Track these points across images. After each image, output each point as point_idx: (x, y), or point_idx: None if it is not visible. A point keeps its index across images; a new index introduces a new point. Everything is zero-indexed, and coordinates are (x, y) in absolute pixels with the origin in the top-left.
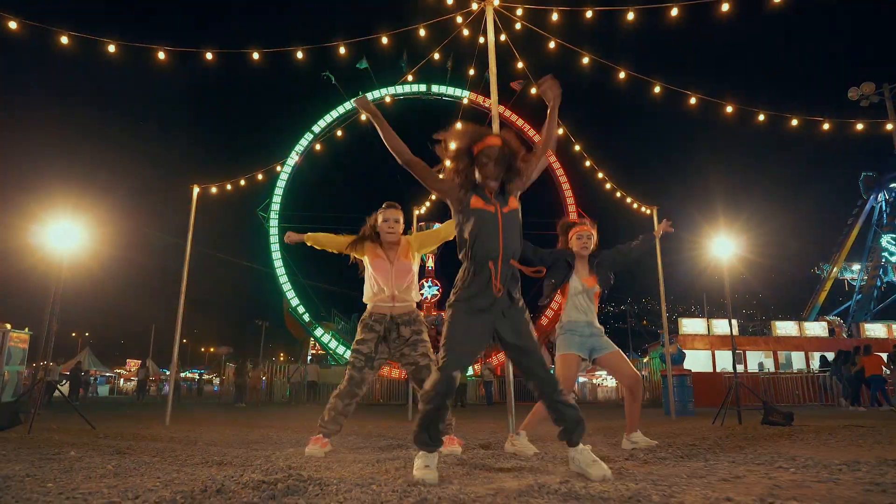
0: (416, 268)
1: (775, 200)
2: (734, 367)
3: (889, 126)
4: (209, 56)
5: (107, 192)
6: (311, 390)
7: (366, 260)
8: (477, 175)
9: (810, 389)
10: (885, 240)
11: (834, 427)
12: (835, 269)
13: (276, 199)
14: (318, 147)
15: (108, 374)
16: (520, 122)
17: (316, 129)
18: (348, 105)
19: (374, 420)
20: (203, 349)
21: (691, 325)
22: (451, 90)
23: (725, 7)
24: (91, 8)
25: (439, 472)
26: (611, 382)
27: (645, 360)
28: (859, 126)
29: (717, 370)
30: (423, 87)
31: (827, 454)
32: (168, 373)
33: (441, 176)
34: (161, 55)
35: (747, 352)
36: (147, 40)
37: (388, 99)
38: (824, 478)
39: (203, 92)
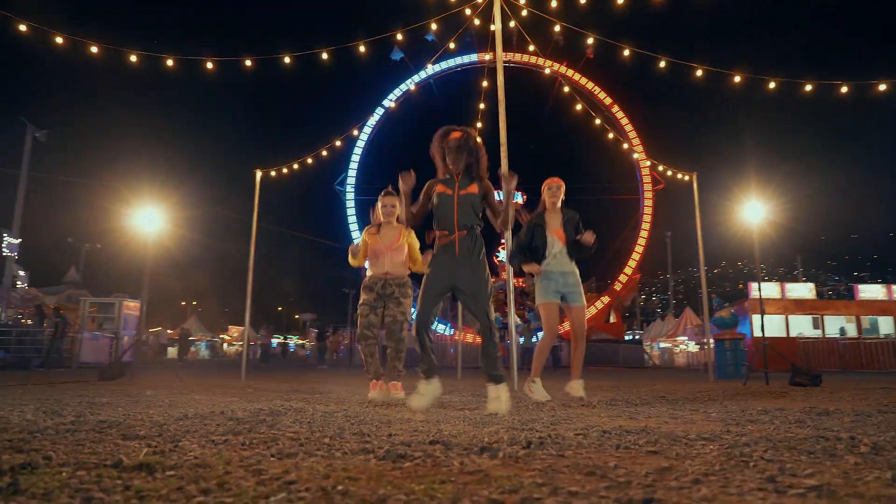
0: (405, 249)
1: (850, 164)
2: (762, 330)
3: None
4: (287, 60)
5: (202, 182)
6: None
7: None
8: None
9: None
10: None
11: (866, 389)
12: None
13: (352, 172)
14: (390, 118)
15: (212, 339)
16: (589, 85)
17: (386, 103)
18: (416, 78)
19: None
20: (296, 316)
21: (763, 290)
22: (517, 57)
23: None
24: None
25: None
26: (692, 347)
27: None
28: None
29: (792, 335)
30: (487, 57)
31: (796, 405)
32: (259, 335)
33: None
34: (225, 63)
35: (825, 316)
36: (222, 46)
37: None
38: (744, 421)
39: (270, 88)
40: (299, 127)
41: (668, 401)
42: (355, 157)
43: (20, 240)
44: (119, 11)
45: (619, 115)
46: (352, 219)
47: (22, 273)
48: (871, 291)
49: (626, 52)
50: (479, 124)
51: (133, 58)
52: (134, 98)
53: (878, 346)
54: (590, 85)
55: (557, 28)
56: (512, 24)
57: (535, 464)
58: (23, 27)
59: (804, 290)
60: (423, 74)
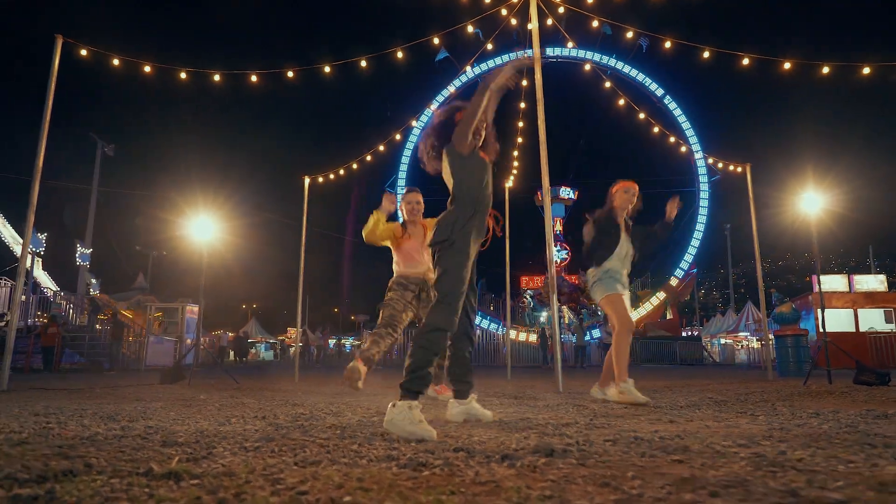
0: None
1: None
2: (823, 326)
3: None
4: (327, 69)
5: (253, 190)
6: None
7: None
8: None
9: None
10: None
11: None
12: None
13: (402, 174)
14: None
15: (271, 341)
16: (640, 77)
17: (435, 104)
18: (463, 77)
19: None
20: (352, 317)
21: (830, 282)
22: (562, 51)
23: None
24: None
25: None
26: (754, 343)
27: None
28: None
29: (861, 330)
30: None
31: (857, 407)
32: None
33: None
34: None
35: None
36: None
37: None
38: (792, 425)
39: (317, 96)
40: (345, 133)
41: (715, 402)
42: (405, 160)
43: (91, 249)
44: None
45: (672, 105)
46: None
47: (94, 281)
48: None
49: (668, 45)
50: (520, 124)
51: (183, 75)
52: (187, 112)
53: None
54: (640, 77)
55: (595, 24)
56: (549, 21)
57: (552, 474)
58: (84, 52)
59: (875, 281)
60: (469, 74)
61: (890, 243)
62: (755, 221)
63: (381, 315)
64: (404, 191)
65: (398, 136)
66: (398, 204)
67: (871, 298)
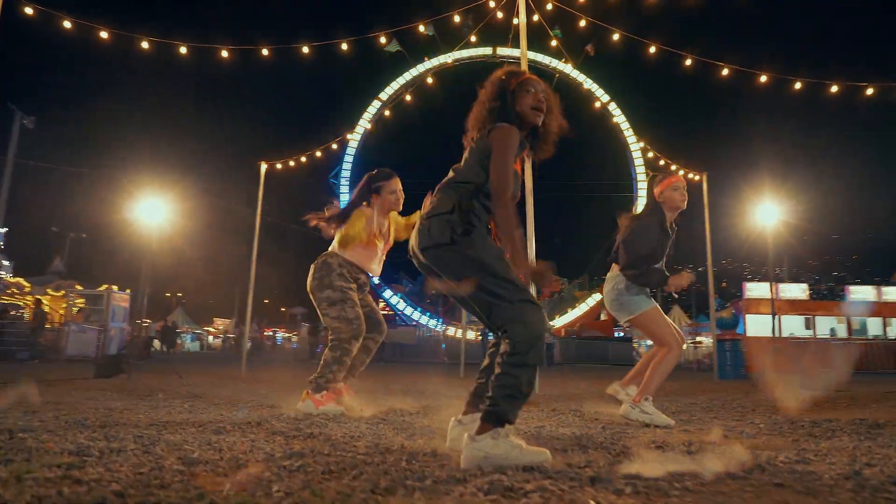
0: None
1: (854, 162)
2: (773, 333)
3: None
4: (306, 50)
5: (187, 175)
6: (378, 349)
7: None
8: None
9: (887, 357)
10: None
11: (875, 394)
12: None
13: (347, 166)
14: (386, 114)
15: (197, 331)
16: (586, 84)
17: (383, 96)
18: (414, 71)
19: (429, 376)
20: (282, 309)
21: (756, 290)
22: (516, 52)
23: None
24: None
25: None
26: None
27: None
28: None
29: (785, 335)
30: (488, 51)
31: (806, 415)
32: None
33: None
34: (225, 53)
35: (817, 317)
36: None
37: (450, 61)
38: (750, 432)
39: (267, 77)
40: (297, 119)
41: (703, 408)
42: (350, 151)
43: (6, 229)
44: None
45: (615, 110)
46: None
47: (6, 263)
48: (861, 293)
49: (653, 49)
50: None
51: (104, 34)
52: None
53: (868, 347)
54: (587, 84)
55: (583, 23)
56: (516, 21)
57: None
58: (29, 10)
59: (797, 290)
60: (420, 68)
61: (809, 253)
62: (709, 230)
63: (340, 319)
64: (387, 176)
65: (349, 136)
66: (368, 198)
67: (793, 306)
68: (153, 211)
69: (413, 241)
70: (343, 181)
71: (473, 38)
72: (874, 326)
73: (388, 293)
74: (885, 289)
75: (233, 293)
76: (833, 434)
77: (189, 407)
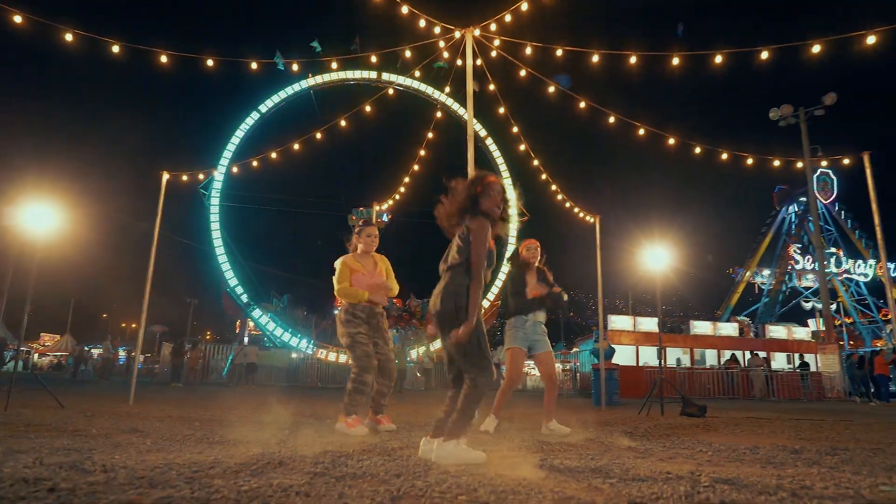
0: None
1: (703, 214)
2: (660, 363)
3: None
4: (213, 61)
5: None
6: (249, 372)
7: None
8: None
9: (719, 384)
10: (793, 248)
11: (739, 419)
12: (747, 273)
13: (219, 178)
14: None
15: (22, 349)
16: (466, 117)
17: (263, 108)
18: (297, 87)
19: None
20: (125, 325)
21: (619, 322)
22: (401, 79)
23: (676, 61)
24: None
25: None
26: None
27: (573, 352)
28: (776, 163)
29: (641, 364)
30: (373, 75)
31: (735, 440)
32: (97, 350)
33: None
34: (116, 49)
35: (667, 348)
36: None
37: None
38: (733, 458)
39: (166, 83)
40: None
41: (634, 436)
42: (223, 161)
43: None
44: None
45: (493, 147)
46: (214, 224)
47: None
48: (701, 327)
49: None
50: (421, 152)
51: None
52: None
53: (706, 376)
54: (466, 116)
55: (523, 73)
56: (460, 62)
57: None
58: None
59: (652, 323)
60: (303, 84)
61: (663, 290)
62: (600, 270)
63: (353, 357)
64: (362, 224)
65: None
66: None
67: (649, 338)
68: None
69: (439, 305)
70: (214, 192)
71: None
72: (711, 357)
73: (256, 312)
74: (718, 324)
75: (68, 305)
76: (791, 462)
77: (114, 442)
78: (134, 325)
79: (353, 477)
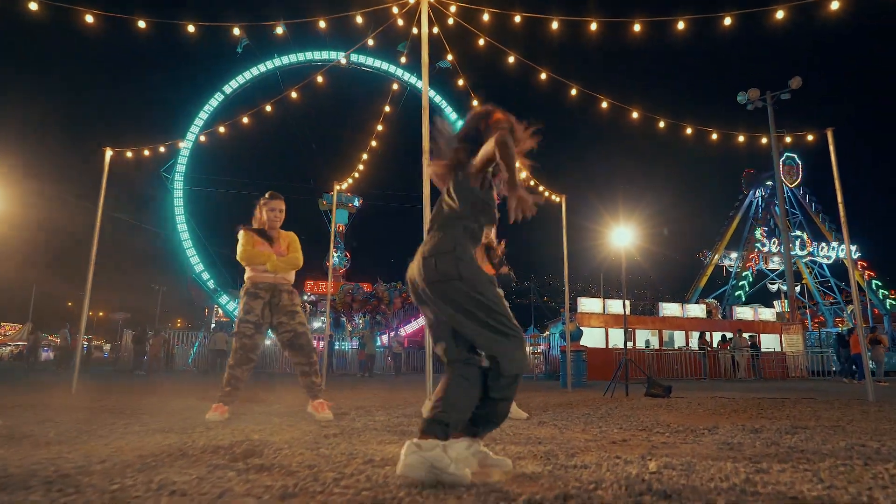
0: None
1: (670, 195)
2: (625, 344)
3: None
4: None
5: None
6: (217, 358)
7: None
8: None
9: (688, 364)
10: (759, 231)
11: (702, 398)
12: (716, 257)
13: (182, 160)
14: (229, 111)
15: None
16: (437, 99)
17: (227, 89)
18: (263, 67)
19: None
20: (92, 313)
21: (588, 304)
22: (369, 60)
23: (637, 27)
24: None
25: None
26: None
27: (544, 335)
28: (741, 138)
29: (610, 346)
30: (342, 59)
31: (694, 421)
32: (54, 337)
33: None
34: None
35: (636, 330)
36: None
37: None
38: (690, 440)
39: (118, 53)
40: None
41: (584, 415)
42: (187, 144)
43: None
44: None
45: (454, 119)
46: (179, 209)
47: None
48: (670, 309)
49: (543, 76)
50: (379, 127)
51: None
52: None
53: (674, 356)
54: (438, 98)
55: (482, 42)
56: (413, 30)
57: None
58: None
59: (621, 305)
60: (269, 65)
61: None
62: (566, 249)
63: (233, 347)
64: (267, 196)
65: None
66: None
67: (618, 320)
68: None
69: (416, 275)
70: (178, 176)
71: (371, 42)
72: (679, 338)
73: (223, 299)
74: (687, 306)
75: (30, 293)
76: (744, 440)
77: (56, 436)
78: (101, 314)
79: (257, 470)
